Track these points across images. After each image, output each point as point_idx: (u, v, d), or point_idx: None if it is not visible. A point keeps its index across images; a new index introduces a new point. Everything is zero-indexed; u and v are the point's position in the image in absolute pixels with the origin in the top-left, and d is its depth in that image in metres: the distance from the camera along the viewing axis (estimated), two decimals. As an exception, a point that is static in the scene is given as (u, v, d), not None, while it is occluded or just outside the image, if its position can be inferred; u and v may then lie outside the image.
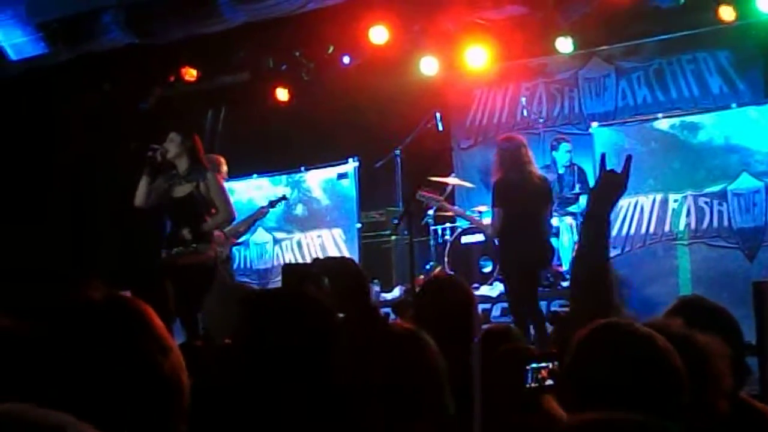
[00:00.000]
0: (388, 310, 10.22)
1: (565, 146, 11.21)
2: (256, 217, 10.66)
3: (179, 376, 1.69)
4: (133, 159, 8.07)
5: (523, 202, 8.49)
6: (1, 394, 1.58)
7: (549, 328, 8.45)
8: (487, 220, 9.77)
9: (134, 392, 1.62)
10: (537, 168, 9.04)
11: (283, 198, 10.94)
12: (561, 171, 11.19)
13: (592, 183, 8.08)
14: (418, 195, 10.01)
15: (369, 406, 2.36)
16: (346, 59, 11.32)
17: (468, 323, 4.05)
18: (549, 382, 2.61)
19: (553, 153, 11.26)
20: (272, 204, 10.73)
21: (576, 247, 3.20)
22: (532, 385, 2.62)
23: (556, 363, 2.59)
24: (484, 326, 4.88)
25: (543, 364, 2.61)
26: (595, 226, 3.25)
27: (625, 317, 2.91)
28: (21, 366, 1.64)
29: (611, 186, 3.28)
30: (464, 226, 10.99)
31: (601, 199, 3.28)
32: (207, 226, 7.82)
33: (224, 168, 9.61)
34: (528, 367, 2.62)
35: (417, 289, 5.81)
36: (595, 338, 2.26)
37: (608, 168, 3.32)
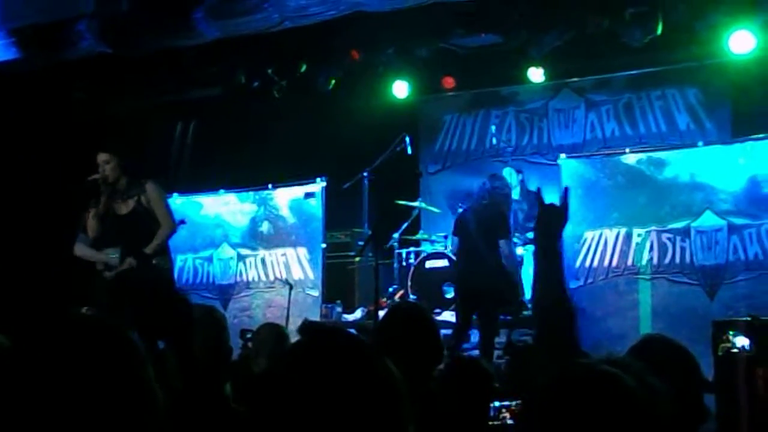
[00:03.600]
0: (351, 330, 10.19)
1: (507, 170, 11.15)
2: None
3: (155, 390, 1.73)
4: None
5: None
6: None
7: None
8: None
9: (118, 405, 1.64)
10: None
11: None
12: (515, 197, 11.18)
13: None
14: None
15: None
16: (318, 79, 11.32)
17: (432, 350, 4.05)
18: (510, 421, 2.59)
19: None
20: None
21: (532, 285, 3.13)
22: (494, 423, 2.59)
23: (518, 402, 2.57)
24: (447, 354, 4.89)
25: (506, 403, 2.59)
26: (546, 261, 3.19)
27: (584, 355, 2.90)
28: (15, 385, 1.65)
29: (551, 219, 3.25)
30: (428, 251, 11.01)
31: (545, 233, 3.24)
32: (151, 249, 7.64)
33: None
34: (491, 405, 2.59)
35: (381, 313, 5.82)
36: (564, 385, 2.14)
37: (547, 202, 3.29)
